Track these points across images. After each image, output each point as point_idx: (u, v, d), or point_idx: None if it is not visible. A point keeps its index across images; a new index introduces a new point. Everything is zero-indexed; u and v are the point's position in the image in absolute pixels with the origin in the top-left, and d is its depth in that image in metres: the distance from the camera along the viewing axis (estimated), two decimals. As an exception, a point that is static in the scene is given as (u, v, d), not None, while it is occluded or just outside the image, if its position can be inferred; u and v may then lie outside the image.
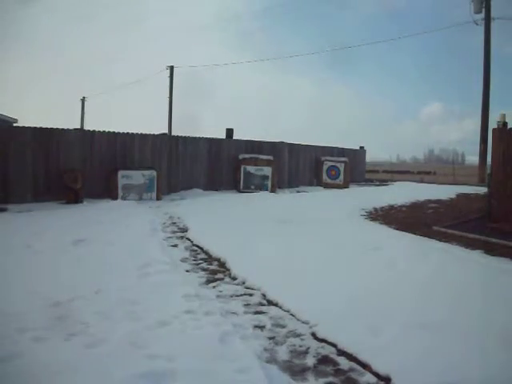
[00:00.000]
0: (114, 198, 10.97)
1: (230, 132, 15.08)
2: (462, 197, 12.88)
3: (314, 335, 3.04)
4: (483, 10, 18.37)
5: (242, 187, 14.05)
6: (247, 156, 14.48)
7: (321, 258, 5.04)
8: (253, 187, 13.97)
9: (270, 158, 14.79)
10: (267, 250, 5.35)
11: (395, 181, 21.48)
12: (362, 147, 20.97)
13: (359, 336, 2.92)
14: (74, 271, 4.45)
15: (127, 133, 12.23)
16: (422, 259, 5.06)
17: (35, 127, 10.42)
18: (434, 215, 8.96)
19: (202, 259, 5.25)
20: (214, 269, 4.81)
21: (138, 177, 11.49)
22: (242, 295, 3.90)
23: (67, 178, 10.32)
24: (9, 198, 9.62)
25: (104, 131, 11.80)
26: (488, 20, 18.34)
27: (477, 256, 5.25)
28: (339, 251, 5.45)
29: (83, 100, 36.27)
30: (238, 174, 14.22)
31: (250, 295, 3.88)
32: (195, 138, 13.92)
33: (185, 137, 13.72)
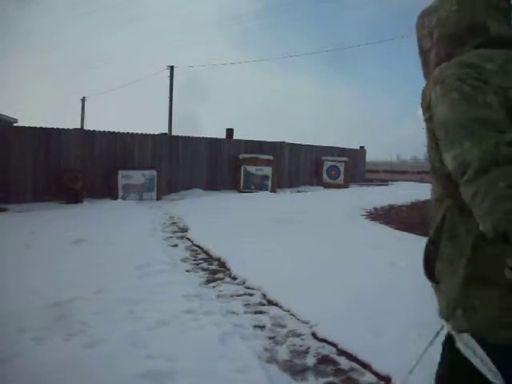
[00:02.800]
0: (114, 197, 10.98)
1: (230, 132, 15.07)
2: (462, 197, 12.85)
3: (314, 335, 3.04)
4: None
5: (242, 187, 14.04)
6: (247, 156, 14.47)
7: (321, 258, 5.04)
8: (253, 187, 13.96)
9: (270, 157, 14.77)
10: (267, 250, 5.34)
11: (395, 181, 21.49)
12: (362, 147, 20.96)
13: (360, 336, 2.91)
14: (73, 271, 4.45)
15: (127, 133, 12.23)
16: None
17: (35, 127, 10.42)
18: (434, 215, 8.95)
19: (202, 259, 5.24)
20: (214, 269, 4.81)
21: (138, 177, 11.49)
22: (242, 295, 3.89)
23: (67, 178, 10.32)
24: (9, 198, 9.62)
25: (104, 131, 11.80)
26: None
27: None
28: (340, 251, 5.44)
29: (83, 100, 36.20)
30: (238, 174, 14.21)
31: (250, 295, 3.88)
32: (195, 137, 13.92)
33: (185, 137, 13.72)
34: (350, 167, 17.52)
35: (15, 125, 14.33)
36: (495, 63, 1.01)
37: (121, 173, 11.29)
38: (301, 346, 2.90)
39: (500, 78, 0.98)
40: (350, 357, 2.71)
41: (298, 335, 3.06)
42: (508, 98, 0.96)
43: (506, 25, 1.16)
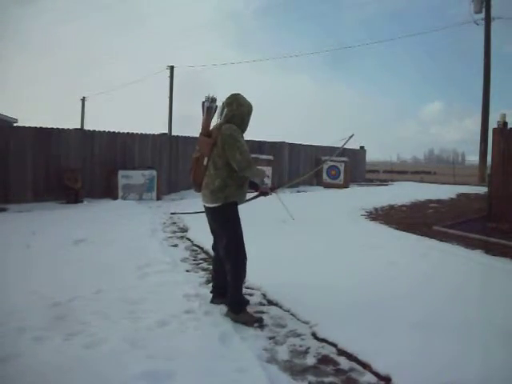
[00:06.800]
0: (114, 197, 10.98)
1: (230, 132, 15.02)
2: (462, 197, 12.89)
3: (314, 335, 3.04)
4: (483, 9, 18.37)
5: (242, 187, 14.00)
6: (247, 156, 14.43)
7: (321, 258, 5.04)
8: (253, 187, 13.95)
9: (270, 157, 14.76)
10: (267, 250, 5.34)
11: (395, 181, 21.51)
12: (362, 147, 20.97)
13: (360, 336, 2.92)
14: (73, 271, 4.45)
15: (127, 133, 12.24)
16: (422, 259, 5.06)
17: (35, 127, 10.42)
18: (435, 215, 8.96)
19: (202, 259, 5.24)
20: (214, 269, 4.80)
21: (138, 177, 11.49)
22: (242, 295, 3.88)
23: (67, 178, 10.32)
24: (9, 198, 9.63)
25: (104, 131, 11.80)
26: (488, 20, 18.33)
27: (477, 256, 5.25)
28: (340, 251, 5.45)
29: (83, 100, 36.21)
30: (238, 174, 14.18)
31: (250, 295, 3.88)
32: (195, 138, 13.85)
33: (185, 137, 13.72)
34: (349, 167, 17.52)
35: (15, 125, 14.34)
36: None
37: (121, 173, 11.29)
38: (301, 346, 2.90)
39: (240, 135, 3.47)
40: (350, 357, 2.71)
41: (298, 335, 3.06)
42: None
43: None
